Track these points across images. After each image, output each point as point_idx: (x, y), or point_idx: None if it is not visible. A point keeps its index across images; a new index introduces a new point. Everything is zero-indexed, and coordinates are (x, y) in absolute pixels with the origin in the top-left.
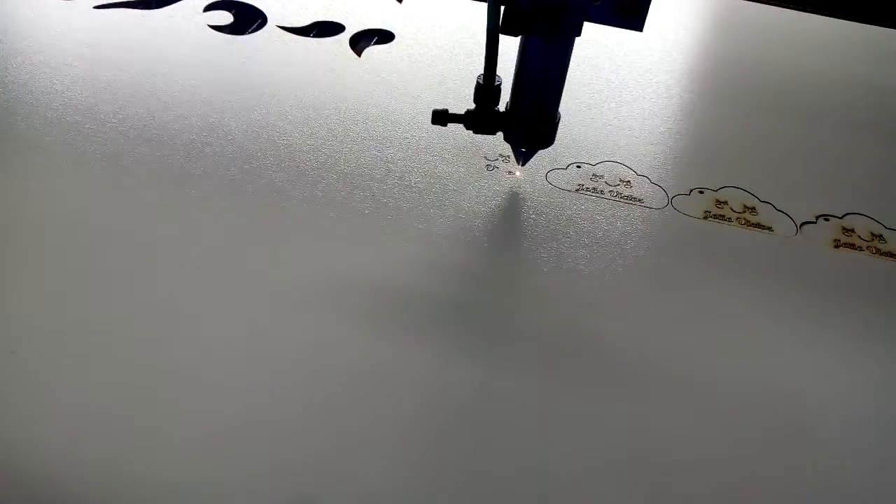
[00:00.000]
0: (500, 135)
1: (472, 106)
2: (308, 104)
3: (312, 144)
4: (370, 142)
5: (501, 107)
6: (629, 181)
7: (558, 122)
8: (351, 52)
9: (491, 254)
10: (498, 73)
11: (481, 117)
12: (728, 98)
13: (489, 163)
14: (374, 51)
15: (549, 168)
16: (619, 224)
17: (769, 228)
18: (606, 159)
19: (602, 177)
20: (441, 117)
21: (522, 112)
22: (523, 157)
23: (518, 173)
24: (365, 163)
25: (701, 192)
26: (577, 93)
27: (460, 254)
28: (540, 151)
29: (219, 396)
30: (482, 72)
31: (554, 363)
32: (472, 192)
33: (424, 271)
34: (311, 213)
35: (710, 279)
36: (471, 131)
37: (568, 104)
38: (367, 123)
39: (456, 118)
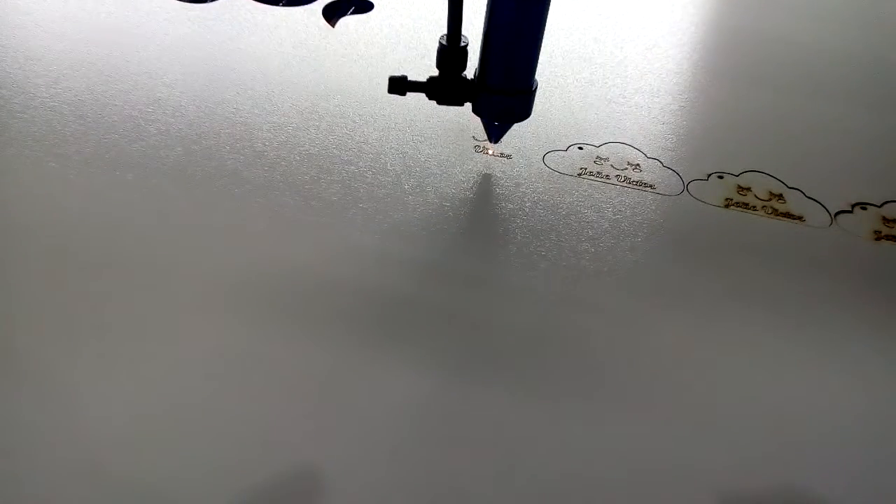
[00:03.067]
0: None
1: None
2: (272, 79)
3: (274, 122)
4: (341, 119)
5: (470, 74)
6: (638, 164)
7: (535, 90)
8: (324, 22)
9: (479, 248)
10: (465, 33)
11: (446, 85)
12: (746, 74)
13: (478, 143)
14: (350, 21)
15: (546, 150)
16: (628, 213)
17: (800, 218)
18: (611, 140)
19: (607, 159)
20: (399, 85)
21: (492, 79)
22: (495, 133)
23: (492, 152)
24: (334, 143)
25: (720, 178)
26: (577, 67)
27: (442, 248)
28: (535, 130)
29: (155, 390)
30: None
31: (551, 377)
32: (458, 177)
33: (400, 268)
34: (269, 200)
35: (734, 276)
36: (435, 102)
37: (567, 79)
38: (339, 99)
39: (417, 86)
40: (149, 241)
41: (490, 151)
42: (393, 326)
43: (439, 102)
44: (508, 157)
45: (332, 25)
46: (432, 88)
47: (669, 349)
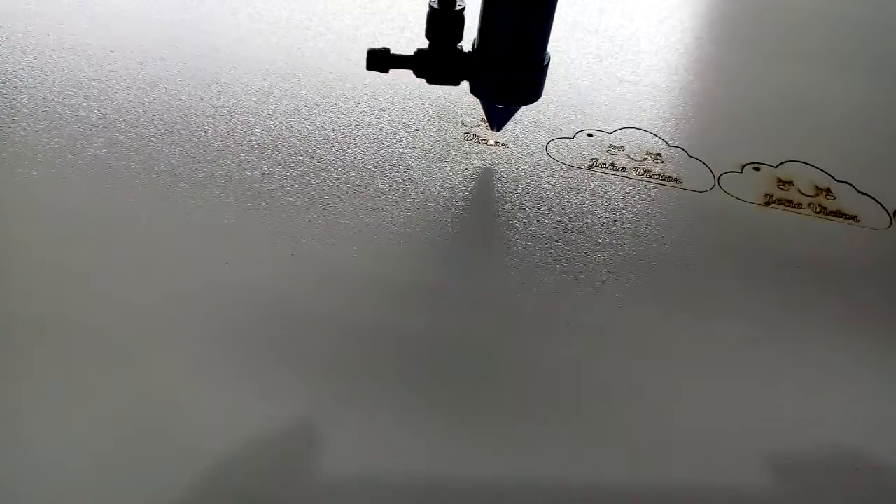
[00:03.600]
0: (466, 87)
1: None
2: (220, 56)
3: (219, 106)
4: (302, 102)
5: (467, 46)
6: (659, 154)
7: (547, 66)
8: None
9: (469, 260)
10: None
11: (438, 59)
12: (776, 49)
13: (468, 130)
14: None
15: (549, 137)
16: (649, 213)
17: (853, 218)
18: (626, 125)
19: (622, 148)
20: (379, 60)
21: (496, 51)
22: (498, 118)
23: (483, 139)
24: (291, 131)
25: (756, 169)
26: (581, 41)
27: (425, 260)
28: (536, 114)
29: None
30: None
31: (559, 415)
32: (444, 171)
33: (372, 287)
34: (208, 200)
35: (778, 289)
36: (425, 81)
37: (571, 55)
38: (300, 79)
39: (402, 61)
40: (51, 256)
41: (482, 139)
42: (361, 363)
43: (430, 81)
44: (504, 146)
45: None
46: (421, 64)
47: (702, 378)
